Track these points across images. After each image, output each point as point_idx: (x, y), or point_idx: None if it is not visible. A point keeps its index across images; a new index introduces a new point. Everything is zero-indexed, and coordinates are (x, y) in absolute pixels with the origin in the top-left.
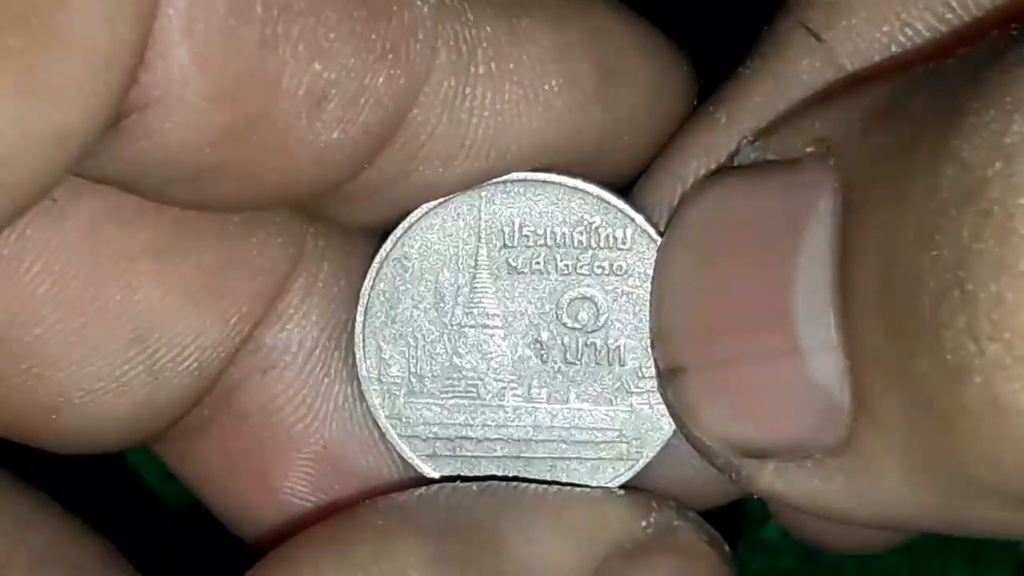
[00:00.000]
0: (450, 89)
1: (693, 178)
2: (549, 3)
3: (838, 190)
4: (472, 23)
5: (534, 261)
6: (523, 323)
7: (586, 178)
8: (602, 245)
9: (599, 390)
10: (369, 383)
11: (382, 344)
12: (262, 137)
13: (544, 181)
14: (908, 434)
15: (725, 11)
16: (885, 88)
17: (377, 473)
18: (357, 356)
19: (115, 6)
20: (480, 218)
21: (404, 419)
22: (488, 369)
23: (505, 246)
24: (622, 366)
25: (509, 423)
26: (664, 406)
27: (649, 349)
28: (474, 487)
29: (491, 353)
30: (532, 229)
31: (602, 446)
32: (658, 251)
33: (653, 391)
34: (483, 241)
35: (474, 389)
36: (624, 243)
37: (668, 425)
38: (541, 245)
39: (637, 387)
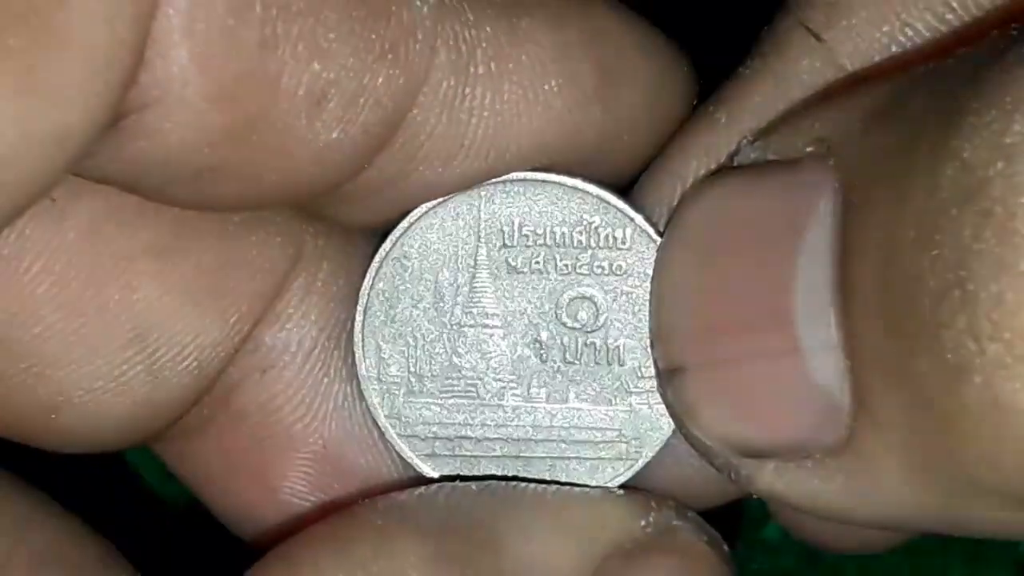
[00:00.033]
0: (449, 89)
1: (693, 178)
2: (549, 3)
3: (838, 190)
4: (472, 23)
5: (533, 261)
6: (522, 323)
7: (586, 178)
8: (602, 245)
9: (598, 390)
10: (368, 382)
11: (381, 343)
12: (262, 137)
13: (544, 181)
14: (908, 434)
15: (725, 11)
16: (885, 88)
17: (376, 472)
18: (356, 355)
19: (115, 6)
20: (480, 218)
21: (403, 418)
22: (487, 369)
23: (505, 246)
24: (621, 366)
25: (508, 423)
26: (663, 406)
27: (648, 349)
28: (473, 487)
29: (490, 353)
30: (532, 229)
31: (601, 446)
32: (658, 251)
33: (652, 391)
34: (482, 240)
35: (473, 389)
36: (624, 243)
37: (667, 425)
38: (541, 245)
39: (636, 387)
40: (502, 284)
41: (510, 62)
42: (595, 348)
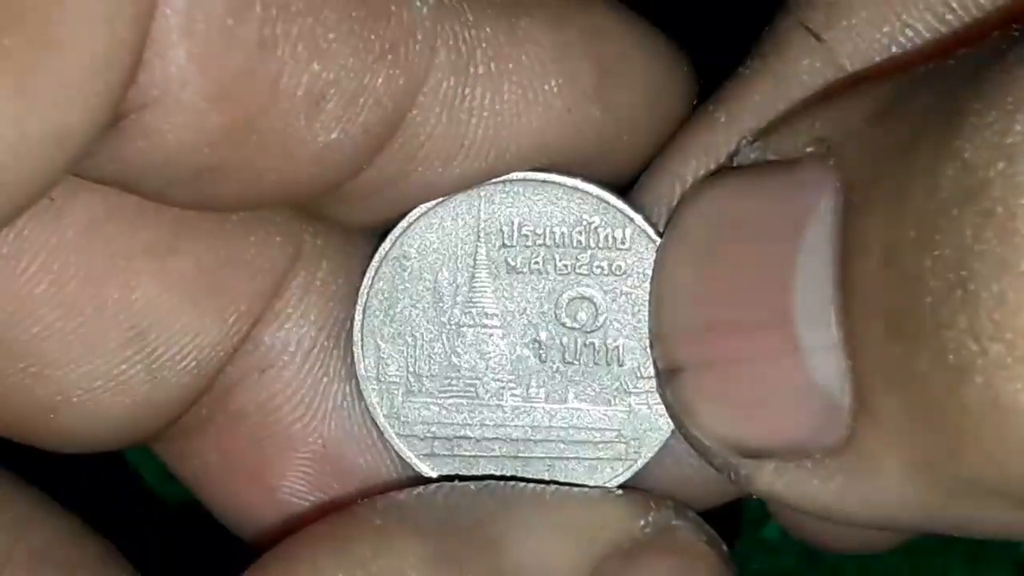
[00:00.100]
0: (449, 89)
1: (692, 178)
2: (549, 3)
3: (838, 190)
4: (471, 23)
5: (533, 261)
6: (522, 323)
7: (585, 178)
8: (601, 245)
9: (597, 390)
10: (367, 382)
11: (380, 343)
12: (261, 137)
13: (543, 181)
14: (909, 434)
15: (725, 11)
16: (885, 88)
17: (375, 472)
18: (355, 355)
19: (113, 6)
20: (479, 217)
21: (402, 418)
22: (486, 368)
23: (504, 245)
24: (620, 366)
25: (507, 423)
26: (662, 406)
27: (648, 349)
28: (472, 486)
29: (489, 352)
30: (531, 229)
31: (600, 446)
32: (657, 251)
33: (651, 391)
34: (482, 240)
35: (472, 388)
36: (623, 243)
37: (666, 425)
38: (540, 245)
39: (635, 387)
40: (501, 284)
41: (510, 62)
42: (594, 348)
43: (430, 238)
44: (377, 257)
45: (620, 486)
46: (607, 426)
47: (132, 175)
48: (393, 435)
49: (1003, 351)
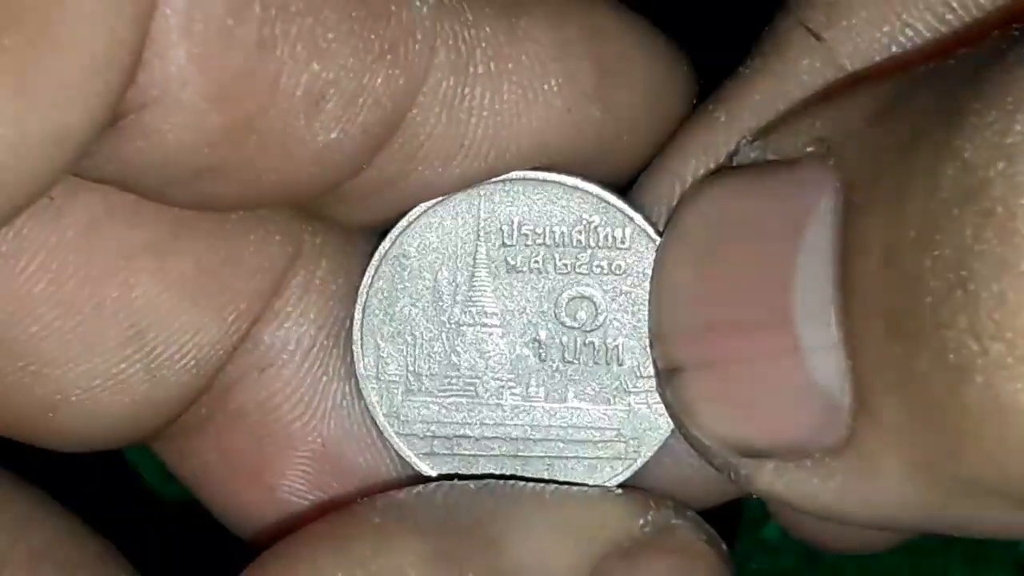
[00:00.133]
0: (449, 89)
1: (692, 177)
2: (548, 2)
3: (838, 189)
4: (471, 23)
5: (533, 260)
6: (521, 322)
7: (585, 177)
8: (601, 244)
9: (597, 389)
10: (367, 381)
11: (380, 342)
12: (260, 137)
13: (543, 180)
14: (909, 434)
15: (725, 11)
16: (885, 88)
17: (375, 471)
18: (355, 354)
19: (113, 6)
20: (479, 216)
21: (402, 417)
22: (486, 367)
23: (504, 245)
24: (620, 365)
25: (507, 422)
26: (662, 405)
27: (647, 349)
28: (472, 485)
29: (489, 352)
30: (531, 228)
31: (600, 445)
32: (657, 250)
33: (651, 390)
34: (482, 239)
35: (472, 387)
36: (623, 242)
37: (666, 424)
38: (540, 244)
39: (635, 386)
40: (501, 283)
41: (510, 62)
42: (594, 347)
43: (430, 237)
44: (377, 256)
45: (620, 485)
46: (607, 425)
47: (132, 175)
48: (393, 434)
49: (1003, 351)
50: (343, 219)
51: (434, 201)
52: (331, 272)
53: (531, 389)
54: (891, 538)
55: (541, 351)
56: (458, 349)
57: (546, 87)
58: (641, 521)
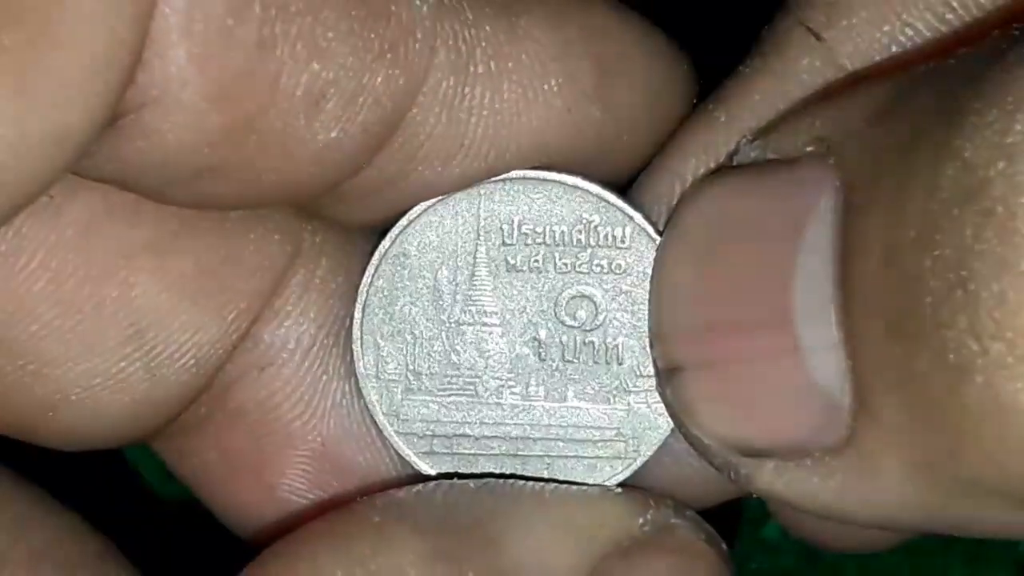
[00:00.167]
0: (449, 88)
1: (692, 177)
2: (549, 1)
3: (838, 189)
4: (471, 22)
5: (533, 259)
6: (521, 321)
7: (585, 176)
8: (601, 243)
9: (597, 388)
10: (367, 380)
11: (380, 341)
12: (260, 137)
13: (543, 179)
14: (909, 434)
15: (725, 11)
16: (886, 87)
17: (375, 470)
18: (355, 353)
19: (113, 6)
20: (479, 215)
21: (402, 416)
22: (486, 367)
23: (504, 244)
24: (620, 365)
25: (506, 421)
26: (662, 405)
27: (647, 348)
28: (471, 484)
29: (489, 351)
30: (531, 227)
31: (599, 444)
32: (657, 250)
33: (651, 390)
34: (482, 238)
35: (472, 386)
36: (623, 242)
37: (666, 424)
38: (540, 243)
39: (635, 386)
40: (501, 282)
41: (510, 61)
42: (594, 347)
43: (430, 236)
44: (377, 255)
45: (619, 484)
46: (606, 424)
47: (131, 174)
48: (392, 433)
49: (1003, 350)
50: (343, 218)
51: (434, 200)
52: (331, 271)
53: (531, 388)
54: (891, 538)
55: (541, 350)
56: (458, 348)
57: (546, 87)
58: (641, 520)
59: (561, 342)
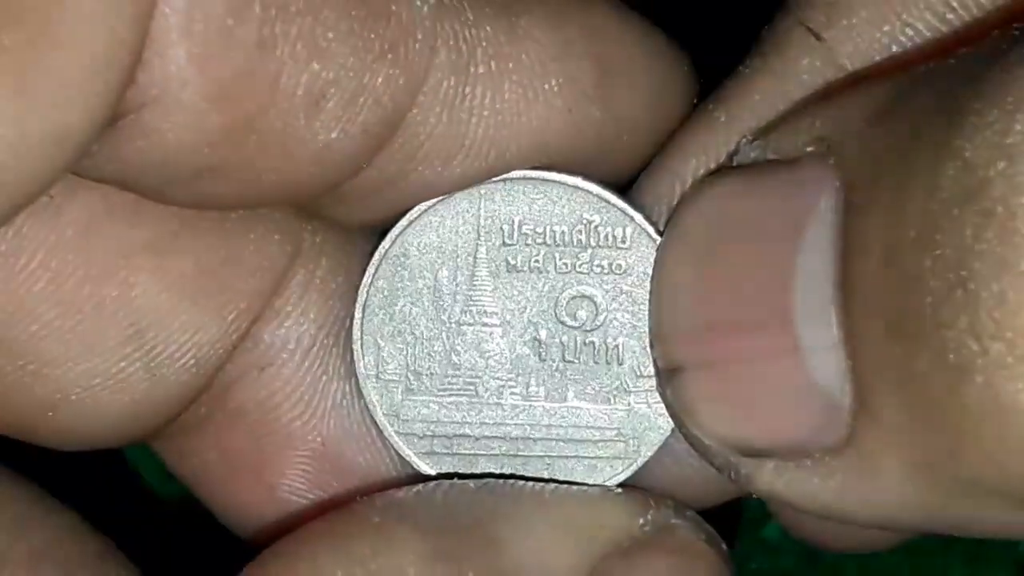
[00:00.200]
0: (449, 89)
1: (692, 177)
2: (549, 1)
3: (839, 189)
4: (471, 22)
5: (533, 259)
6: (521, 321)
7: (586, 177)
8: (601, 244)
9: (597, 389)
10: (367, 380)
11: (380, 341)
12: (260, 137)
13: (544, 179)
14: (909, 434)
15: (725, 11)
16: (886, 87)
17: (375, 470)
18: (355, 353)
19: (113, 6)
20: (479, 216)
21: (402, 416)
22: (486, 367)
23: (504, 244)
24: (620, 365)
25: (507, 421)
26: (662, 405)
27: (647, 348)
28: (471, 484)
29: (489, 351)
30: (531, 227)
31: (600, 445)
32: (657, 250)
33: (651, 390)
34: (482, 239)
35: (472, 387)
36: (623, 242)
37: (666, 424)
38: (540, 243)
39: (635, 386)
40: (501, 282)
41: (510, 61)
42: (594, 347)
43: (430, 236)
44: (377, 255)
45: (619, 485)
46: (606, 425)
47: (131, 174)
48: (392, 433)
49: (1003, 350)
50: (343, 218)
51: (434, 200)
52: (331, 271)
53: (531, 388)
54: (891, 538)
55: (541, 350)
56: (458, 348)
57: (546, 87)
58: (641, 520)
59: (561, 342)
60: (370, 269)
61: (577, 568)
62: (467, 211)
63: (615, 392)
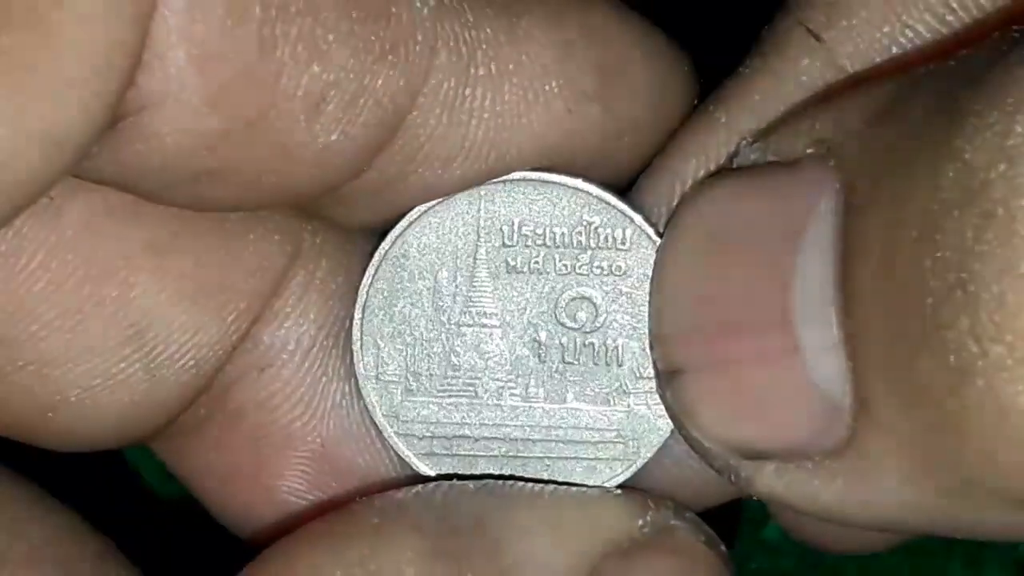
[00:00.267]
0: (450, 90)
1: (692, 177)
2: (549, 2)
3: (838, 191)
4: (472, 24)
5: (533, 260)
6: (521, 322)
7: (586, 178)
8: (601, 245)
9: (597, 390)
10: (366, 381)
11: (380, 342)
12: (260, 139)
13: (544, 180)
14: (909, 435)
15: (725, 11)
16: (886, 89)
17: (374, 471)
18: (355, 354)
19: (113, 7)
20: (479, 217)
21: (401, 417)
22: (486, 368)
23: (504, 245)
24: (620, 366)
25: (506, 422)
26: (661, 406)
27: (647, 350)
28: (471, 485)
29: (489, 352)
30: (531, 228)
31: (599, 446)
32: (657, 252)
33: (651, 392)
34: (482, 240)
35: (471, 388)
36: (623, 243)
37: (665, 426)
38: (540, 244)
39: (635, 387)
40: (501, 284)
41: (510, 63)
42: (594, 348)
43: (430, 237)
44: (377, 256)
45: (619, 486)
46: (606, 426)
47: (131, 177)
48: (392, 434)
49: (1004, 353)
50: (343, 220)
51: (435, 201)
52: (331, 272)
53: (530, 390)
54: (891, 539)
55: (541, 352)
56: (458, 349)
57: (547, 88)
58: (640, 522)
59: (561, 344)
60: (370, 270)
61: (576, 569)
62: (467, 212)
63: (615, 393)
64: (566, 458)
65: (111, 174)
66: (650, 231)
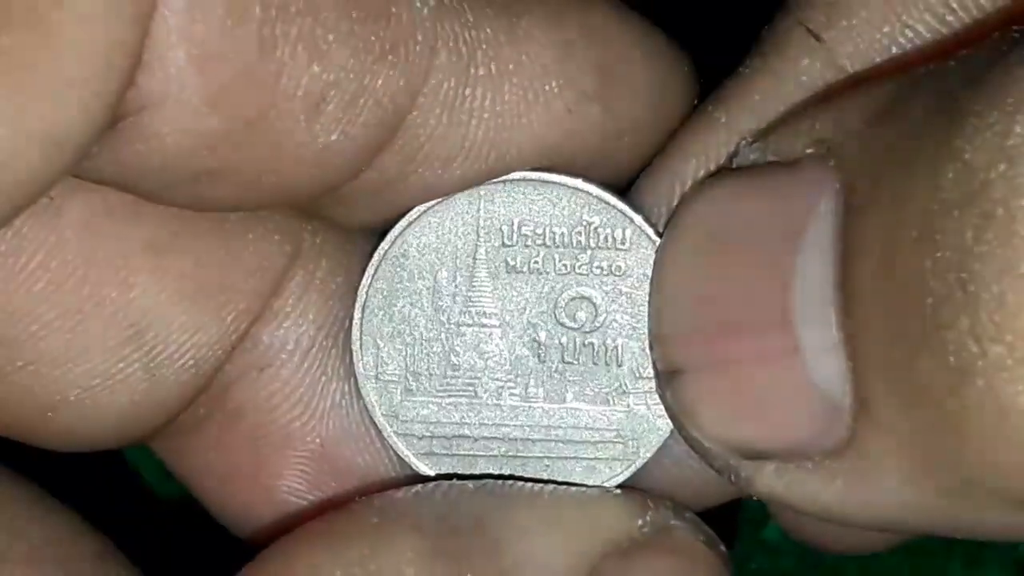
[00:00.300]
0: (450, 90)
1: (692, 178)
2: (549, 2)
3: (838, 191)
4: (472, 24)
5: (532, 260)
6: (521, 322)
7: (586, 178)
8: (601, 245)
9: (596, 390)
10: (366, 381)
11: (379, 342)
12: (260, 139)
13: (543, 180)
14: (909, 435)
15: (725, 11)
16: (886, 89)
17: (374, 471)
18: (354, 354)
19: (113, 7)
20: (479, 216)
21: (401, 417)
22: (485, 368)
23: (504, 245)
24: (619, 366)
25: (506, 422)
26: (661, 406)
27: (647, 350)
28: (470, 485)
29: (488, 352)
30: (531, 228)
31: (599, 446)
32: (657, 252)
33: (650, 392)
34: (482, 240)
35: (471, 388)
36: (623, 243)
37: (665, 426)
38: (540, 244)
39: (634, 387)
40: (501, 283)
41: (510, 63)
42: (593, 348)
43: (430, 237)
44: (376, 256)
45: (618, 486)
46: (605, 426)
47: (131, 177)
48: (391, 434)
49: (1003, 353)
50: (343, 219)
51: (434, 201)
52: (330, 272)
53: (530, 389)
54: (891, 539)
55: (540, 351)
56: (457, 349)
57: (547, 88)
58: (639, 522)
59: (561, 343)
60: (369, 270)
61: (576, 569)
62: (467, 212)
63: (614, 393)
64: (566, 458)
65: (111, 174)
66: (650, 231)
